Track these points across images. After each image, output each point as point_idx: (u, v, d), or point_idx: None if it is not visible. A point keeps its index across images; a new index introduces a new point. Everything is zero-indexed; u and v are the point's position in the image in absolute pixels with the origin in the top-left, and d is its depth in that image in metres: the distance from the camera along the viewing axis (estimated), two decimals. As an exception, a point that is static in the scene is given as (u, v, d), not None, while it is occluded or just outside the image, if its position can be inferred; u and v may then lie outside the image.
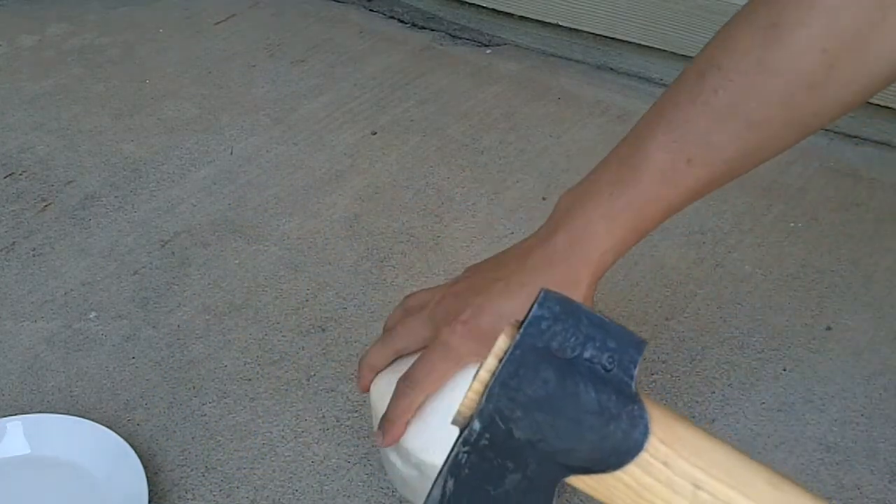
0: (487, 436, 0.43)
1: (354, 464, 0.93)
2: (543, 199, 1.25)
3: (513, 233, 1.19)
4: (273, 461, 0.93)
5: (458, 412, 0.44)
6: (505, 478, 0.43)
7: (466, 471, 0.44)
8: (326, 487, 0.91)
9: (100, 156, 1.38)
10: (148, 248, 1.21)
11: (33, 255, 1.21)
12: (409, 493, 0.82)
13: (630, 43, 1.46)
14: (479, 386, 0.43)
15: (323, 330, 1.07)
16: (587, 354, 0.43)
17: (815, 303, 1.07)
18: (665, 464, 0.42)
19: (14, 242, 1.23)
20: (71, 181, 1.34)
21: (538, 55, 1.57)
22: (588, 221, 0.76)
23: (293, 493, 0.90)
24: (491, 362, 0.43)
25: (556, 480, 0.44)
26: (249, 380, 1.02)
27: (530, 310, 0.44)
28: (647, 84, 1.47)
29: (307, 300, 1.12)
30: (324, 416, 0.98)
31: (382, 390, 0.81)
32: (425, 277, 1.13)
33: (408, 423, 0.77)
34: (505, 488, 0.43)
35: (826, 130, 1.34)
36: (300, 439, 0.95)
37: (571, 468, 0.43)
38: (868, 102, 1.28)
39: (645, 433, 0.42)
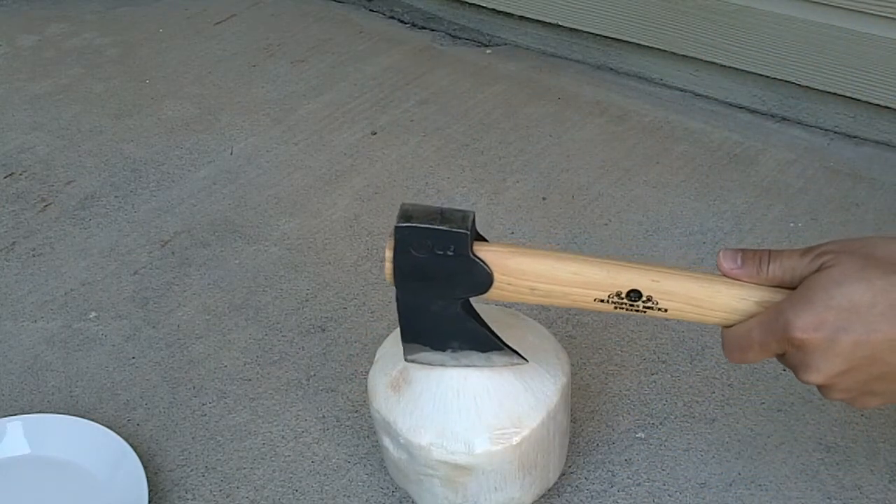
0: (402, 288, 0.74)
1: (354, 464, 0.93)
2: (543, 199, 1.25)
3: (513, 232, 1.19)
4: (273, 461, 0.93)
5: (385, 278, 0.73)
6: (429, 303, 0.74)
7: (404, 306, 0.75)
8: (327, 487, 0.91)
9: (100, 156, 1.38)
10: (148, 248, 1.21)
11: (33, 255, 1.21)
12: (403, 479, 0.83)
13: (630, 43, 1.46)
14: (388, 264, 0.72)
15: (323, 330, 1.07)
16: (437, 251, 0.71)
17: (815, 303, 1.07)
18: (509, 283, 0.72)
19: (14, 242, 1.23)
20: (71, 181, 1.34)
21: (538, 55, 1.57)
22: None
23: (293, 493, 0.90)
24: (388, 252, 0.72)
25: (461, 301, 0.74)
26: (249, 380, 1.02)
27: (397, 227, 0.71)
28: (647, 84, 1.47)
29: (307, 300, 1.12)
30: (324, 416, 0.98)
31: (390, 349, 0.83)
32: (425, 277, 1.13)
33: None
34: (432, 308, 0.74)
35: (826, 130, 1.34)
36: (300, 439, 0.95)
37: (461, 296, 0.73)
38: (868, 102, 1.29)
39: (489, 275, 0.72)
